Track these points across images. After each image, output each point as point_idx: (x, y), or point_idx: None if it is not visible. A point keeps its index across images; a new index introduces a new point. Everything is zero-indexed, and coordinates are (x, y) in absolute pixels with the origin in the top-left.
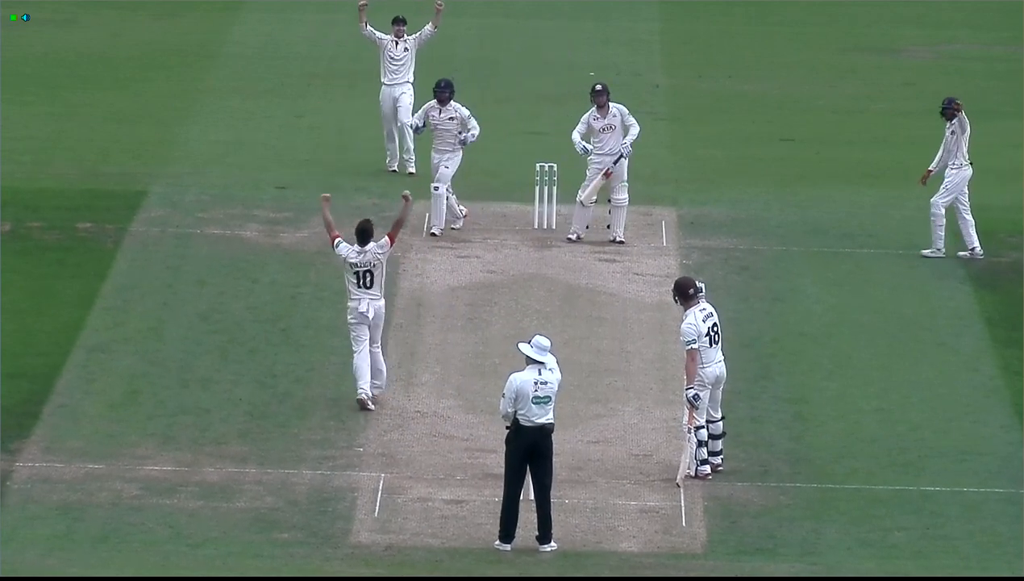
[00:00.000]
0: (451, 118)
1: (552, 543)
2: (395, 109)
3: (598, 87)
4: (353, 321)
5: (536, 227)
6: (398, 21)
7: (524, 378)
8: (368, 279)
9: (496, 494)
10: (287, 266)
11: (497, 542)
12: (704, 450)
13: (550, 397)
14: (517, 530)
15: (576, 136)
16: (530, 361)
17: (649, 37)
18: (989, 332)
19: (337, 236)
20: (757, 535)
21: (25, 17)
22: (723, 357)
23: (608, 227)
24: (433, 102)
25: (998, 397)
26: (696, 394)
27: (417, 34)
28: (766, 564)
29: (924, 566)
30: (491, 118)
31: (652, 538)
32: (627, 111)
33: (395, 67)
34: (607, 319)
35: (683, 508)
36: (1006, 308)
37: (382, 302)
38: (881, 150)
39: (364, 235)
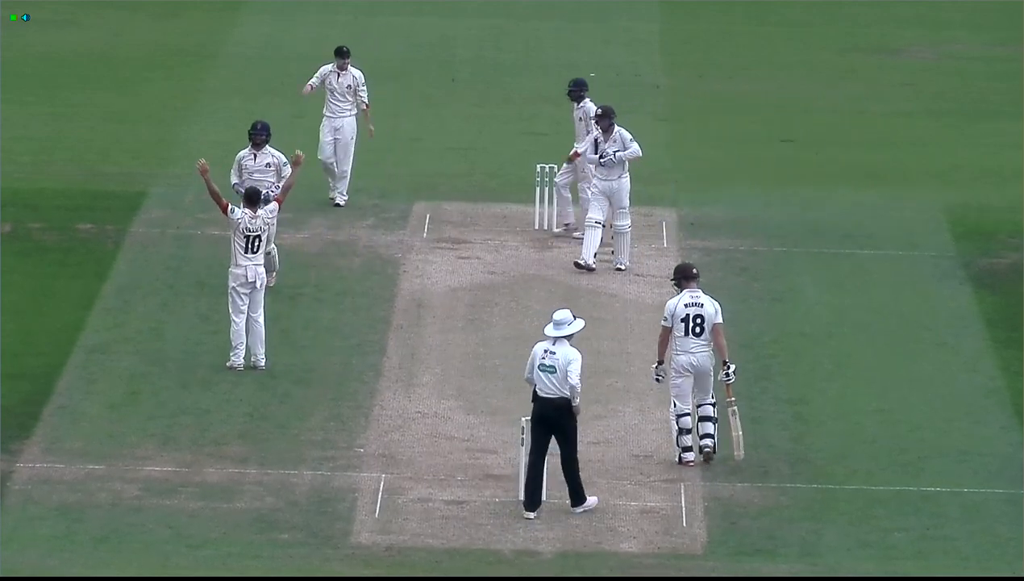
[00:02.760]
0: (268, 165)
1: (582, 506)
2: (335, 142)
3: (599, 111)
4: (237, 288)
5: (536, 228)
6: (341, 53)
7: (539, 344)
8: (256, 244)
9: (496, 495)
10: (287, 267)
11: (524, 511)
12: (687, 438)
13: (555, 367)
14: (519, 532)
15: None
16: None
17: (649, 37)
18: (989, 332)
19: (227, 203)
20: (757, 536)
21: (25, 17)
22: (705, 348)
23: (612, 253)
24: (246, 150)
25: (998, 397)
26: (654, 371)
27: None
28: (766, 565)
29: (924, 567)
30: (491, 118)
31: (652, 539)
32: (629, 138)
33: (338, 98)
34: (608, 320)
35: (683, 509)
36: (1006, 308)
37: (263, 268)
38: (881, 150)
39: (254, 200)
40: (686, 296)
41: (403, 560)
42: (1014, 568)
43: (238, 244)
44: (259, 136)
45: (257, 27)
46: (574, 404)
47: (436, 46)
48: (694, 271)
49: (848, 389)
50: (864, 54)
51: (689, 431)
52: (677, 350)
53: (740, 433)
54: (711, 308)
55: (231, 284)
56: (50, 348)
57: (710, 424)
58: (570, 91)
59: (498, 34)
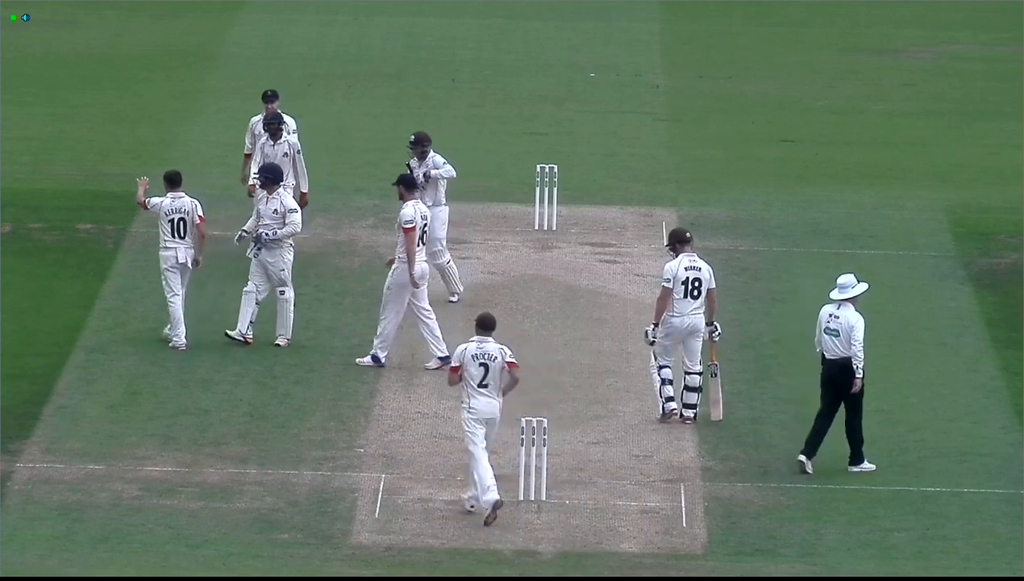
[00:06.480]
0: (275, 210)
1: (860, 465)
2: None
3: (412, 137)
4: (168, 269)
5: (536, 228)
6: (268, 98)
7: (825, 307)
8: (182, 228)
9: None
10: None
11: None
12: (669, 388)
13: (839, 331)
14: (519, 532)
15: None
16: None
17: (649, 37)
18: (989, 333)
19: (143, 200)
20: (757, 536)
21: (25, 17)
22: (699, 311)
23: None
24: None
25: (998, 398)
26: (649, 332)
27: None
28: (766, 565)
29: (924, 567)
30: (491, 118)
31: (652, 539)
32: (442, 161)
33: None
34: (608, 320)
35: (683, 509)
36: (1006, 309)
37: (192, 250)
38: (881, 150)
39: (174, 181)
40: (685, 260)
41: (403, 560)
42: (1014, 568)
43: (164, 229)
44: (270, 180)
45: (257, 27)
46: (856, 372)
47: (436, 46)
48: (688, 235)
49: None
50: (864, 54)
51: (671, 382)
52: (672, 312)
53: (720, 395)
54: (707, 273)
55: (162, 266)
56: (50, 348)
57: (694, 395)
58: (268, 123)
59: (498, 34)
